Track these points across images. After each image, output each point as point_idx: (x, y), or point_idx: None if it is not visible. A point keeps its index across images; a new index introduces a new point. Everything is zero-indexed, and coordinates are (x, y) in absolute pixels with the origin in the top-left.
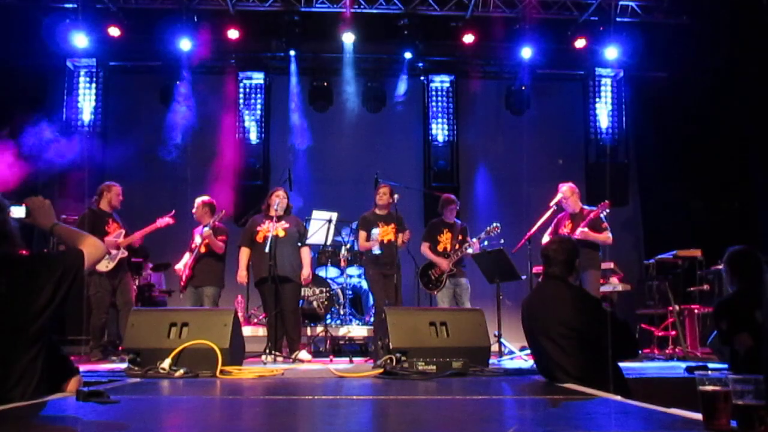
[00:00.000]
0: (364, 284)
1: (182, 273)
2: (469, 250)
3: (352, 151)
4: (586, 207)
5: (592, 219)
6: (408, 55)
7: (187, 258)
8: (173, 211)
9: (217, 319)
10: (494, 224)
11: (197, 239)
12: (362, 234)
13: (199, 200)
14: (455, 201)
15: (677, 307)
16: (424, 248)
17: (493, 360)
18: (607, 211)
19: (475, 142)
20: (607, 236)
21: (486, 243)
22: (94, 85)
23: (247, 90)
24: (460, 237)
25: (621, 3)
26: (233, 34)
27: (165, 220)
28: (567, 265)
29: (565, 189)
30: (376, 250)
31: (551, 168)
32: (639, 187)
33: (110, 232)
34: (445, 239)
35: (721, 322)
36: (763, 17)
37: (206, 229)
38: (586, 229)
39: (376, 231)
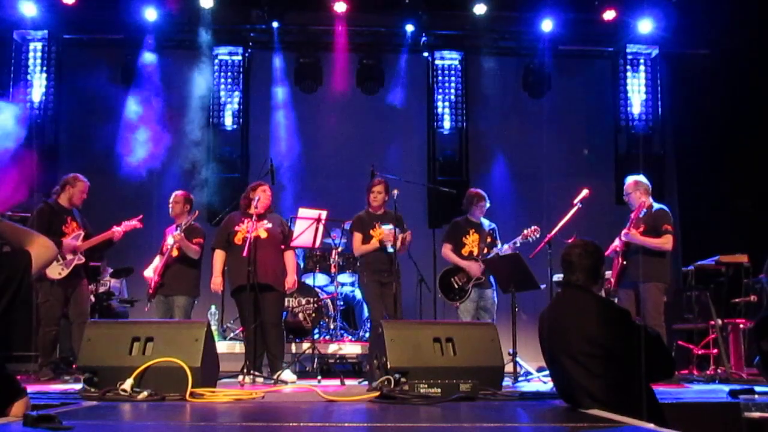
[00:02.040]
0: (358, 294)
1: (151, 279)
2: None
3: (344, 139)
4: (656, 204)
5: (642, 218)
6: (410, 27)
7: (157, 262)
8: (140, 215)
9: (187, 334)
10: (533, 227)
11: (170, 240)
12: (357, 236)
13: (179, 194)
14: (485, 197)
15: (720, 322)
16: (446, 251)
17: (506, 382)
18: (666, 207)
19: (487, 129)
20: (664, 241)
21: (519, 245)
22: (45, 60)
23: (223, 67)
24: (488, 239)
25: None
26: (206, 2)
27: (131, 224)
28: (591, 272)
29: (626, 185)
30: (390, 248)
31: (575, 160)
32: (677, 182)
33: (68, 233)
34: (472, 242)
35: (763, 341)
36: None
37: (176, 232)
38: (633, 231)
39: (387, 226)
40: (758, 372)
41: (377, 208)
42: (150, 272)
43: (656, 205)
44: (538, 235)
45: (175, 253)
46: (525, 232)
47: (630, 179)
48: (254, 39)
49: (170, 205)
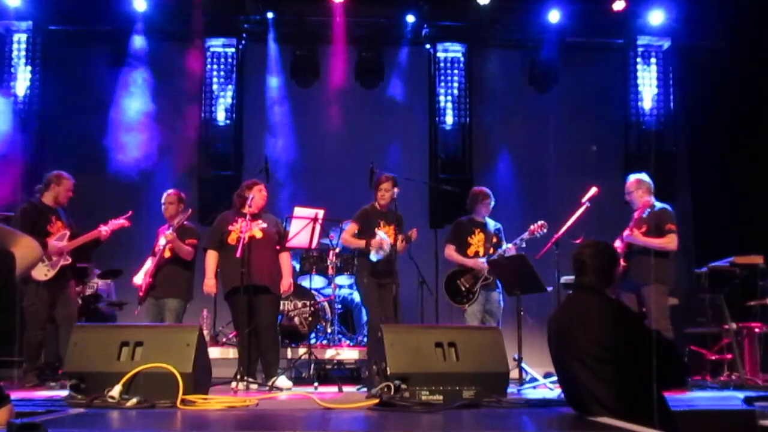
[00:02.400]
0: (357, 296)
1: (142, 282)
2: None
3: (342, 135)
4: (658, 203)
5: (645, 217)
6: (411, 18)
7: (149, 264)
8: (130, 212)
9: (179, 338)
10: (539, 222)
11: (162, 241)
12: (352, 227)
13: (172, 192)
14: (490, 195)
15: (734, 326)
16: (449, 251)
17: (512, 389)
18: (669, 206)
19: (491, 124)
20: (668, 240)
21: (524, 245)
22: (30, 52)
23: (216, 60)
24: (494, 239)
25: None
26: None
27: (118, 222)
28: (603, 273)
29: (628, 184)
30: (375, 256)
31: (583, 157)
32: (689, 180)
33: (53, 233)
34: (477, 242)
35: None
36: None
37: (169, 231)
38: (636, 232)
39: (381, 233)
40: None
41: (384, 206)
42: (140, 278)
43: (658, 205)
44: (545, 231)
45: (167, 254)
46: (531, 227)
47: (632, 178)
48: (248, 30)
49: (164, 206)
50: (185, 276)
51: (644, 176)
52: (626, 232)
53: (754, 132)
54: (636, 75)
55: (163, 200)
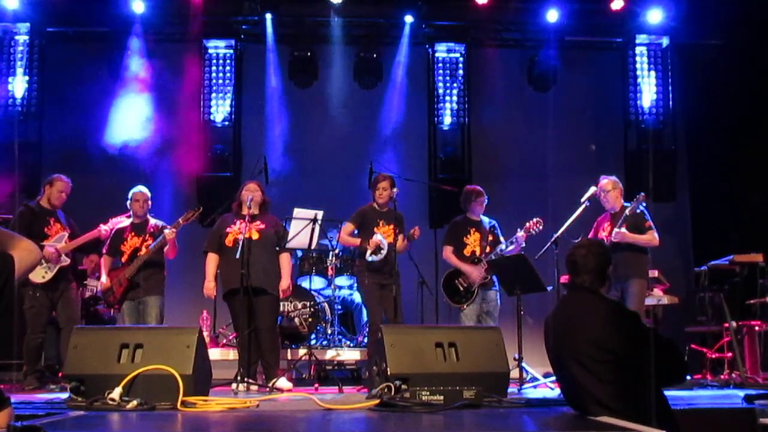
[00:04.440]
0: (357, 297)
1: (110, 287)
2: (510, 249)
3: (341, 136)
4: (628, 204)
5: (628, 216)
6: (409, 18)
7: (103, 266)
8: (129, 213)
9: (178, 340)
10: (535, 219)
11: (132, 241)
12: (348, 226)
13: (144, 189)
14: (483, 193)
15: (734, 324)
16: (447, 253)
17: (512, 388)
18: (643, 205)
19: (490, 124)
20: (651, 237)
21: (525, 244)
22: (28, 54)
23: (214, 61)
24: (490, 237)
25: None
26: None
27: (118, 221)
28: (598, 273)
29: (605, 183)
30: (371, 257)
31: (583, 156)
32: (689, 178)
33: (51, 235)
34: (473, 241)
35: None
36: None
37: (168, 230)
38: (623, 230)
39: (379, 236)
40: None
41: (383, 205)
42: (104, 280)
43: (629, 206)
44: (541, 227)
45: (145, 254)
46: (527, 225)
47: (607, 178)
48: (246, 31)
49: (137, 203)
50: (162, 273)
51: (615, 179)
52: (615, 230)
53: (754, 130)
54: (635, 74)
55: (134, 197)
